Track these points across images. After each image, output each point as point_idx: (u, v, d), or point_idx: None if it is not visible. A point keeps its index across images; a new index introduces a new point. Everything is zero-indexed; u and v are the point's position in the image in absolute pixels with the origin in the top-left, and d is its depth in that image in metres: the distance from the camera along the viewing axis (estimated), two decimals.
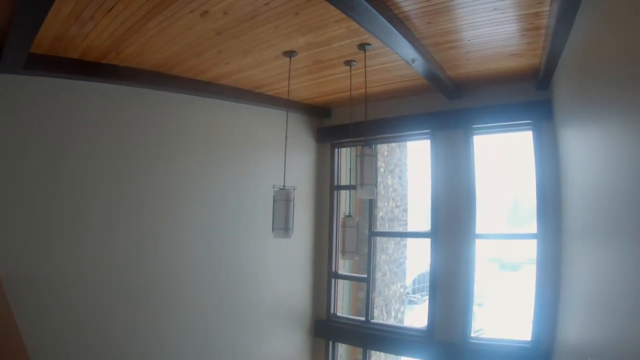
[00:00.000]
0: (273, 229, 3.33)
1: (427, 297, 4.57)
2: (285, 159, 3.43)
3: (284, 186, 3.31)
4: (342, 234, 3.64)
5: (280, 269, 4.61)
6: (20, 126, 3.21)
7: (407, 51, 2.99)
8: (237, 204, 4.19)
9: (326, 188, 4.99)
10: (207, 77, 3.72)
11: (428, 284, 4.48)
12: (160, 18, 2.67)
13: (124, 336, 3.53)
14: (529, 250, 4.55)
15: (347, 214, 3.77)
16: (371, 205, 4.91)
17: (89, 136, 3.43)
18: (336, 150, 5.00)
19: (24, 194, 3.23)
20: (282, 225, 3.32)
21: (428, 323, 4.31)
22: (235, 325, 4.19)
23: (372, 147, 3.49)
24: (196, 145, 3.93)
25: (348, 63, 3.53)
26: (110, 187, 3.50)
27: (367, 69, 3.39)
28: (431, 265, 4.40)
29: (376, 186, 3.48)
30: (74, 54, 3.22)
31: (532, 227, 3.90)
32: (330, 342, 5.05)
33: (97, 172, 3.45)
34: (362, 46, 3.14)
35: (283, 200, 3.32)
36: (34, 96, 3.25)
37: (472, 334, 4.10)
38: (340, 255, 4.46)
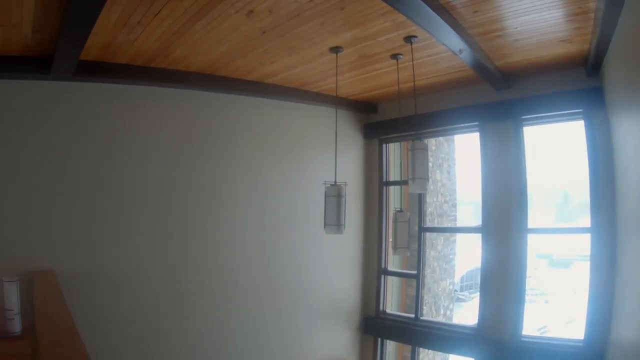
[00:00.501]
0: (325, 225, 3.31)
1: (475, 295, 4.45)
2: (336, 155, 3.39)
3: (335, 182, 3.29)
4: (394, 229, 3.59)
5: (330, 266, 4.60)
6: (71, 131, 3.37)
7: (454, 41, 2.90)
8: (288, 202, 4.22)
9: (375, 184, 4.94)
10: (253, 77, 3.75)
11: (476, 281, 4.36)
12: (206, 19, 2.70)
13: (178, 332, 3.64)
14: (581, 245, 4.35)
15: (399, 209, 3.71)
16: (420, 200, 4.82)
17: (139, 139, 3.56)
18: (384, 145, 4.94)
19: (78, 195, 3.37)
20: (334, 221, 3.30)
21: (478, 320, 4.18)
22: (286, 321, 4.24)
23: (423, 141, 3.42)
24: (246, 145, 3.98)
25: (394, 57, 3.47)
26: (163, 188, 3.62)
27: (414, 61, 3.30)
28: (482, 260, 4.28)
29: (428, 180, 3.41)
30: (123, 59, 3.32)
31: (584, 221, 3.73)
32: (379, 339, 5.01)
33: (149, 174, 3.57)
34: (409, 39, 3.07)
35: (335, 196, 3.29)
36: (84, 102, 3.40)
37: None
38: (391, 250, 4.40)
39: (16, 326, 3.25)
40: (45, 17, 2.55)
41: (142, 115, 3.56)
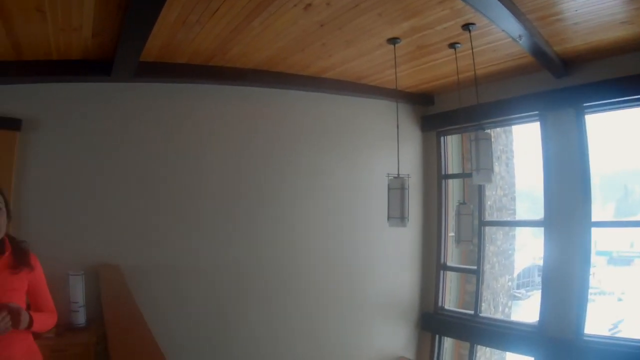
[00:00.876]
0: (388, 217, 3.26)
1: (531, 293, 4.28)
2: (398, 147, 3.33)
3: (398, 174, 3.23)
4: (457, 222, 3.50)
5: (389, 261, 4.54)
6: (132, 130, 3.50)
7: (513, 27, 2.80)
8: (347, 197, 4.20)
9: (433, 177, 4.84)
10: (310, 72, 3.75)
11: (532, 279, 4.18)
12: (264, 15, 2.70)
13: (238, 325, 3.71)
14: None
15: (462, 202, 3.61)
16: (481, 193, 4.67)
17: (198, 137, 3.65)
18: (442, 138, 4.83)
19: (140, 192, 3.51)
20: (398, 214, 3.25)
21: (539, 318, 4.00)
22: (345, 316, 4.22)
23: (486, 131, 3.32)
24: (304, 140, 4.00)
25: (452, 46, 3.37)
26: (223, 184, 3.70)
27: (472, 50, 3.20)
28: (544, 255, 4.09)
29: (492, 171, 3.29)
30: (182, 58, 3.38)
31: None
32: (437, 336, 4.89)
33: (209, 171, 3.66)
34: (467, 26, 2.98)
35: (398, 188, 3.24)
36: (144, 101, 3.52)
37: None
38: (454, 244, 4.29)
39: (81, 318, 3.36)
40: (104, 20, 2.63)
41: (202, 113, 3.64)
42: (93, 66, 3.26)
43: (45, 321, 1.84)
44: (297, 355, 3.99)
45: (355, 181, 4.22)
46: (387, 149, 3.78)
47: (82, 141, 3.40)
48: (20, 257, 1.77)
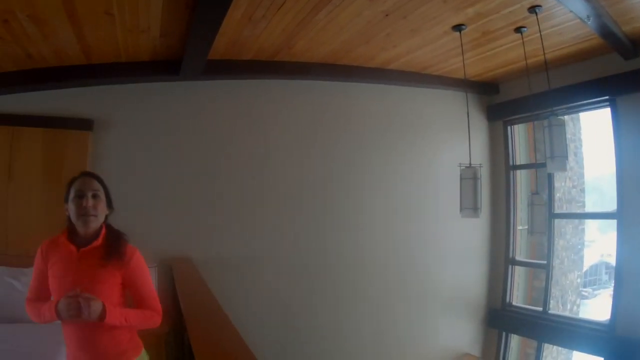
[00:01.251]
0: (461, 209, 3.18)
1: (599, 292, 4.05)
2: (470, 137, 3.25)
3: (470, 164, 3.15)
4: (530, 213, 3.36)
5: (455, 254, 4.43)
6: (200, 127, 3.62)
7: (581, 7, 2.68)
8: (413, 189, 4.15)
9: (501, 168, 4.66)
10: (375, 64, 3.72)
11: (600, 277, 3.96)
12: (329, 8, 2.70)
13: (306, 316, 3.76)
14: None
15: (534, 192, 3.49)
16: (550, 184, 4.45)
17: (265, 131, 3.71)
18: (509, 127, 4.67)
19: (208, 187, 3.61)
20: (471, 204, 3.17)
21: (611, 316, 3.78)
22: (411, 310, 4.17)
23: (559, 117, 3.19)
24: (369, 132, 3.98)
25: (518, 30, 3.27)
26: (289, 177, 3.76)
27: (540, 32, 3.08)
28: (617, 249, 3.87)
29: (567, 158, 3.16)
30: (248, 55, 3.44)
31: None
32: (504, 333, 4.72)
33: (276, 164, 3.72)
34: (533, 9, 2.89)
35: (470, 178, 3.16)
36: (212, 99, 3.61)
37: None
38: (528, 235, 4.12)
39: None
40: (172, 20, 2.71)
41: (267, 108, 3.71)
42: (161, 66, 3.38)
43: (135, 317, 1.71)
44: (362, 346, 3.98)
45: (421, 173, 4.16)
46: (454, 140, 3.72)
47: (151, 139, 3.54)
48: (111, 248, 1.71)
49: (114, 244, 1.72)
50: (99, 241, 1.71)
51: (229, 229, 3.62)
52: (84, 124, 3.47)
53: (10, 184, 3.48)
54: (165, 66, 3.35)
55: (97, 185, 1.75)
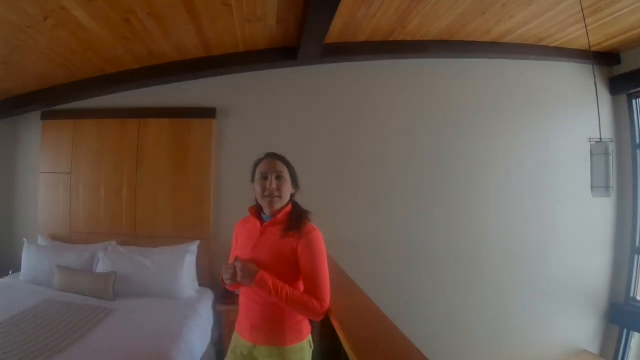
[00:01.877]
0: (592, 187, 2.90)
1: None
2: (599, 110, 2.97)
3: (600, 138, 2.87)
4: None
5: (574, 241, 4.06)
6: (318, 110, 3.66)
7: None
8: (529, 169, 3.86)
9: (627, 147, 4.16)
10: (490, 37, 3.52)
11: None
12: None
13: (423, 300, 3.67)
14: None
15: None
16: None
17: (381, 112, 3.68)
18: (634, 101, 4.18)
19: (325, 169, 3.66)
20: (603, 182, 2.87)
21: None
22: (523, 300, 3.90)
23: None
24: (485, 108, 3.78)
25: None
26: (403, 158, 3.70)
27: None
28: None
29: None
30: (362, 37, 3.42)
31: None
32: (625, 331, 4.25)
33: (396, 146, 3.68)
34: None
35: (602, 154, 2.87)
36: (329, 81, 3.65)
37: None
38: None
39: None
40: (288, 6, 2.75)
41: (383, 89, 3.69)
42: (279, 53, 3.48)
43: (287, 296, 1.62)
44: (472, 336, 3.81)
45: (539, 152, 3.86)
46: (575, 116, 3.42)
47: (272, 124, 3.68)
48: (290, 224, 1.72)
49: (294, 221, 1.72)
50: (281, 217, 1.75)
51: (343, 211, 3.67)
52: (207, 113, 3.69)
53: (139, 172, 3.78)
54: (282, 53, 3.47)
55: (281, 166, 1.78)
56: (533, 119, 3.77)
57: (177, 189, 3.72)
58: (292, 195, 1.83)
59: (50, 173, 3.99)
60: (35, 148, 4.09)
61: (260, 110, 3.71)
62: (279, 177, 1.75)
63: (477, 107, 3.72)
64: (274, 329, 1.71)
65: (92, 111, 3.89)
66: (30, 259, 3.67)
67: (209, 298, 3.48)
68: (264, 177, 1.75)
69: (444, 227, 3.74)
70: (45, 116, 4.01)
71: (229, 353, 1.87)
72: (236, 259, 1.69)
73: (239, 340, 1.80)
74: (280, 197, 1.74)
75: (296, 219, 1.74)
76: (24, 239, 3.83)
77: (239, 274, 1.63)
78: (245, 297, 1.79)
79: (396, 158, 3.70)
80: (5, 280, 3.66)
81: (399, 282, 3.67)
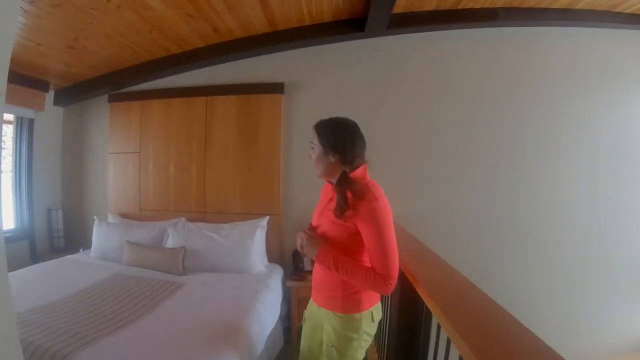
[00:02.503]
0: None
1: None
2: None
3: None
4: None
5: None
6: (387, 82, 3.61)
7: None
8: (610, 145, 3.60)
9: None
10: (562, 4, 3.36)
11: None
12: None
13: (498, 283, 3.46)
14: None
15: None
16: None
17: (451, 84, 3.59)
18: None
19: (401, 145, 3.58)
20: None
21: None
22: (600, 285, 3.64)
23: None
24: (559, 81, 3.59)
25: None
26: (479, 134, 3.58)
27: None
28: None
29: None
30: (430, 6, 3.35)
31: None
32: None
33: (468, 117, 3.58)
34: None
35: None
36: (396, 53, 3.60)
37: None
38: None
39: None
40: None
41: (452, 59, 3.60)
42: (345, 25, 3.45)
43: (349, 268, 1.60)
44: (554, 323, 3.56)
45: (618, 127, 3.62)
46: None
47: (341, 98, 3.65)
48: (340, 194, 1.62)
49: (342, 191, 1.61)
50: (335, 192, 1.67)
51: (425, 188, 3.60)
52: (275, 88, 3.69)
53: (207, 149, 3.80)
54: (348, 25, 3.43)
55: (313, 135, 1.75)
56: (607, 89, 3.57)
57: (245, 165, 3.72)
58: (341, 161, 1.68)
59: (119, 153, 4.05)
60: (103, 130, 4.18)
61: (328, 84, 3.67)
62: (312, 147, 1.75)
63: (548, 77, 3.56)
64: (331, 295, 1.74)
65: (158, 91, 3.94)
66: (101, 236, 3.72)
67: (278, 273, 3.45)
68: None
69: (523, 205, 3.57)
70: (112, 99, 4.09)
71: (305, 316, 1.98)
72: (309, 227, 1.72)
73: (312, 304, 1.91)
74: (315, 167, 1.73)
75: (342, 190, 1.62)
76: (95, 217, 3.91)
77: (304, 246, 1.67)
78: (315, 267, 1.83)
79: (470, 130, 3.58)
80: (76, 256, 3.71)
81: (482, 263, 3.55)
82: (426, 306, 1.56)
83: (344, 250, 1.63)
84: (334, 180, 1.68)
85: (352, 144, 1.67)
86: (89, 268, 3.34)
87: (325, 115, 1.73)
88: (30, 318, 2.27)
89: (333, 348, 1.71)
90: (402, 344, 1.81)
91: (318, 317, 1.84)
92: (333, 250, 1.61)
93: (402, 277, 1.73)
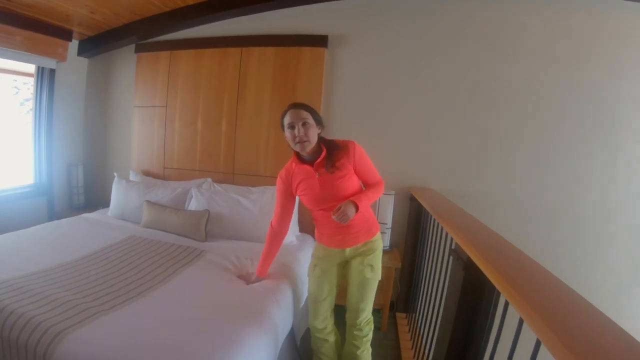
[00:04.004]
0: None
1: None
2: None
3: None
4: None
5: None
6: (443, 40, 3.08)
7: None
8: None
9: None
10: None
11: None
12: None
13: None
14: None
15: None
16: None
17: (521, 44, 2.98)
18: None
19: (450, 111, 3.10)
20: None
21: None
22: None
23: None
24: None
25: None
26: (533, 107, 3.00)
27: None
28: None
29: None
30: None
31: None
32: None
33: (520, 89, 3.00)
34: None
35: None
36: (456, 9, 3.04)
37: None
38: None
39: (386, 241, 3.17)
40: None
41: (517, 22, 2.97)
42: None
43: (371, 196, 1.97)
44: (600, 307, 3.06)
45: None
46: None
47: (389, 56, 3.17)
48: (336, 152, 1.94)
49: (335, 150, 1.95)
50: (324, 153, 1.93)
51: (469, 161, 3.10)
52: (318, 41, 3.22)
53: (239, 105, 3.40)
54: None
55: (304, 114, 1.89)
56: None
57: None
58: (319, 134, 1.96)
59: (145, 107, 3.69)
60: (129, 82, 3.82)
61: (376, 40, 3.18)
62: (305, 124, 1.87)
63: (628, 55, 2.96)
64: (369, 227, 2.07)
65: (189, 41, 3.53)
66: (119, 194, 3.39)
67: (309, 245, 2.99)
68: (291, 127, 1.89)
69: (573, 187, 3.01)
70: (139, 49, 3.72)
71: (314, 263, 2.19)
72: (339, 207, 1.83)
73: (330, 251, 2.12)
74: (309, 141, 1.88)
75: (335, 148, 1.96)
76: (115, 174, 3.58)
77: (348, 216, 1.83)
78: (333, 222, 1.98)
79: (525, 105, 3.00)
80: (92, 214, 3.38)
81: (528, 244, 2.98)
82: (494, 287, 1.22)
83: (356, 191, 1.96)
84: (307, 156, 1.96)
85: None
86: (104, 228, 3.01)
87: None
88: (26, 285, 1.92)
89: (369, 267, 2.06)
90: (461, 322, 1.43)
91: (340, 258, 2.12)
92: (359, 195, 1.90)
93: (463, 255, 1.44)
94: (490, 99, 3.05)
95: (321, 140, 1.96)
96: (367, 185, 2.04)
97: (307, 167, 1.96)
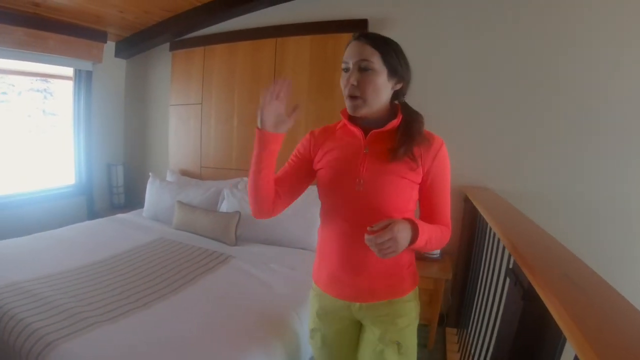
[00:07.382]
0: None
1: None
2: None
3: None
4: None
5: None
6: (494, 29, 2.56)
7: None
8: None
9: None
10: None
11: None
12: None
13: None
14: None
15: None
16: None
17: (587, 33, 2.40)
18: None
19: (504, 109, 2.57)
20: None
21: None
22: None
23: None
24: None
25: None
26: (586, 102, 2.40)
27: None
28: None
29: None
30: None
31: None
32: None
33: (606, 76, 2.39)
34: None
35: None
36: None
37: None
38: None
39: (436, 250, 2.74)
40: None
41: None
42: None
43: (434, 235, 1.07)
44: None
45: None
46: None
47: (436, 40, 2.68)
48: (410, 133, 1.11)
49: (418, 129, 1.12)
50: (394, 123, 1.12)
51: (533, 161, 2.55)
52: (358, 25, 2.79)
53: None
54: None
55: (369, 51, 1.07)
56: None
57: (319, 118, 2.91)
58: (399, 93, 1.16)
59: (180, 105, 3.44)
60: (166, 81, 3.60)
61: (423, 23, 2.70)
62: (364, 69, 1.06)
63: None
64: (394, 281, 1.17)
65: (222, 35, 3.22)
66: (153, 194, 3.17)
67: None
68: (345, 68, 1.11)
69: (621, 188, 2.40)
70: (174, 46, 3.48)
71: (311, 326, 1.32)
72: (389, 224, 0.93)
73: (331, 302, 1.23)
74: (363, 98, 1.07)
75: (418, 130, 1.13)
76: (150, 174, 3.37)
77: (396, 244, 0.92)
78: (344, 248, 1.16)
79: (606, 95, 2.38)
80: (127, 215, 3.20)
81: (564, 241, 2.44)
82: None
83: (407, 210, 1.12)
84: (363, 121, 1.15)
85: (410, 74, 1.17)
86: (133, 229, 2.81)
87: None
88: (34, 288, 1.77)
89: (395, 346, 1.16)
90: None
91: (347, 314, 1.23)
92: (422, 225, 1.01)
93: (524, 280, 1.05)
94: (570, 79, 2.45)
95: (402, 105, 1.18)
96: (425, 216, 1.16)
97: (356, 131, 1.16)
